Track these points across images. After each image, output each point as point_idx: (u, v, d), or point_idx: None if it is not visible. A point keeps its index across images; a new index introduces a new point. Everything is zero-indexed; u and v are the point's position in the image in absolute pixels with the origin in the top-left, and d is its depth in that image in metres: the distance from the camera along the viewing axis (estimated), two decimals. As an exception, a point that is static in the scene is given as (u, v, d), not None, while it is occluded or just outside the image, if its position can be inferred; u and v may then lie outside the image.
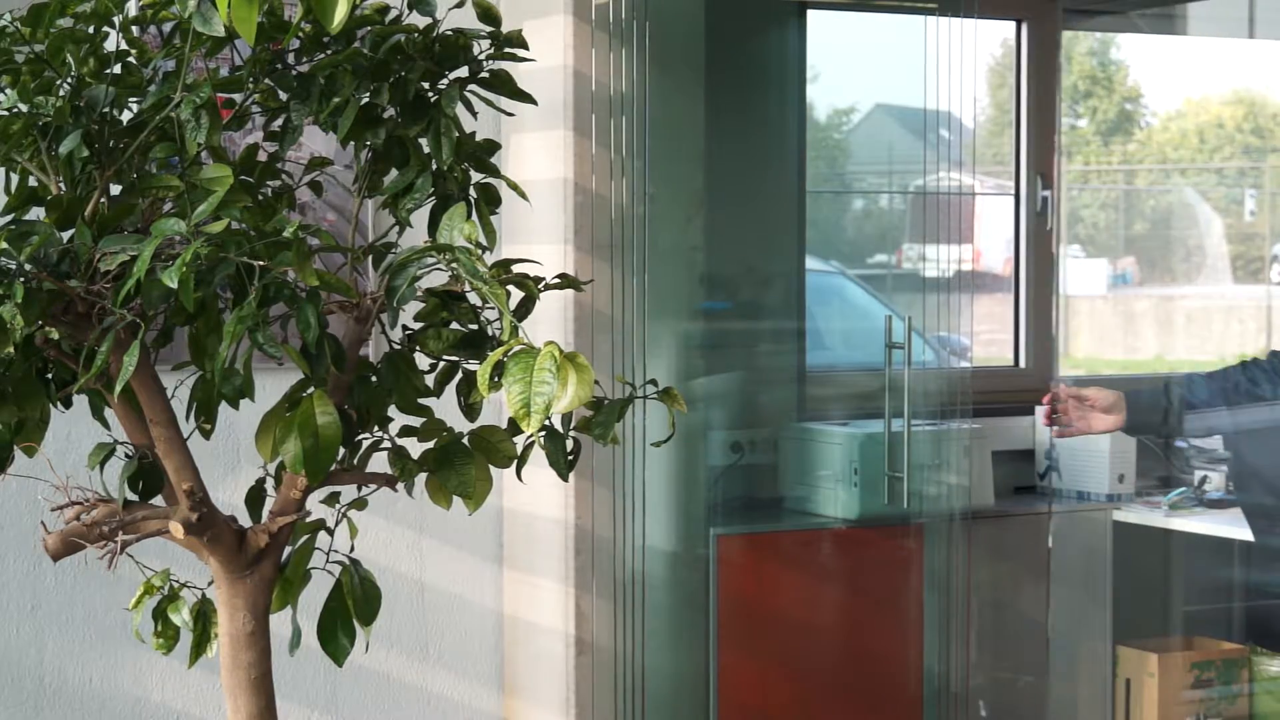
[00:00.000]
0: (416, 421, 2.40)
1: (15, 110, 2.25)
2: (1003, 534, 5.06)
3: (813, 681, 4.81)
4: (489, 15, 2.38)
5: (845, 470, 4.81)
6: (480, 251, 2.13)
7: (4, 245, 2.11)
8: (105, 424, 2.45)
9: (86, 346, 2.20)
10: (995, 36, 5.73)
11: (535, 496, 4.47)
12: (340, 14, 2.07)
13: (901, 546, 4.78)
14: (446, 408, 2.39)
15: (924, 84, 4.54)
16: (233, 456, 4.07)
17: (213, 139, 2.24)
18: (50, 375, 2.34)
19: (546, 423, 2.11)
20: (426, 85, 2.36)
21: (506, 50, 2.39)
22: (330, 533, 2.50)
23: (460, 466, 2.34)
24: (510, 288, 2.15)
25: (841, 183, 5.53)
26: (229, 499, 2.60)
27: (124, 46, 2.33)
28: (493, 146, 2.45)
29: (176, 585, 2.57)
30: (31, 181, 2.34)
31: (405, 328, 2.36)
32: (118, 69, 2.31)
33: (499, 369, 1.97)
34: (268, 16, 2.24)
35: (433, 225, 2.32)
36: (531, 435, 2.12)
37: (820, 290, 5.52)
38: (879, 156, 5.41)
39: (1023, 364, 5.70)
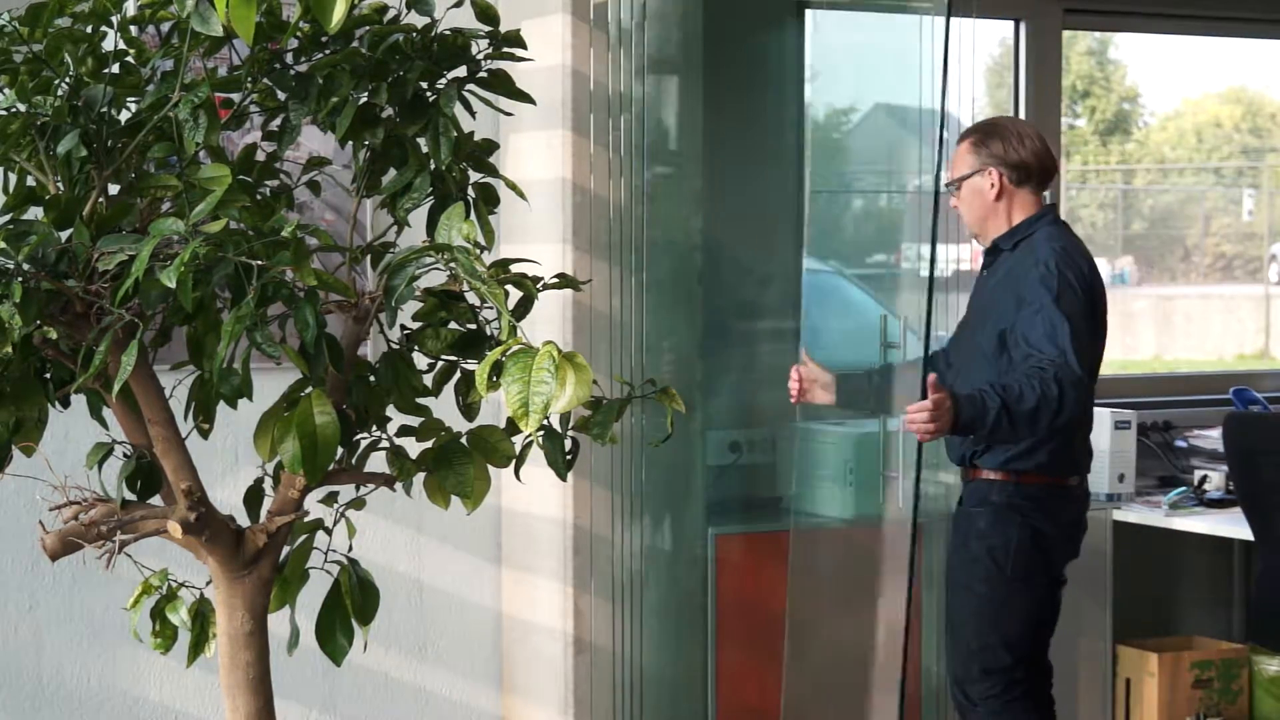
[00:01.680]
0: (415, 421, 2.40)
1: (13, 110, 2.25)
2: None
3: (810, 681, 4.81)
4: (487, 15, 2.38)
5: (842, 470, 4.80)
6: (478, 251, 2.13)
7: (2, 245, 2.11)
8: (104, 423, 2.44)
9: (84, 346, 2.20)
10: (994, 36, 5.73)
11: (534, 496, 4.47)
12: (339, 13, 2.07)
13: (898, 546, 4.77)
14: (445, 407, 2.39)
15: (922, 84, 4.53)
16: (231, 456, 4.07)
17: (211, 139, 2.24)
18: (48, 375, 2.34)
19: (545, 422, 2.11)
20: (425, 85, 2.36)
21: (505, 50, 2.40)
22: (329, 532, 2.50)
23: (458, 466, 2.34)
24: (508, 287, 2.15)
25: (841, 182, 5.52)
26: (227, 499, 2.60)
27: (122, 46, 2.33)
28: (491, 146, 2.45)
29: (175, 585, 2.57)
30: (30, 181, 2.34)
31: (403, 327, 2.36)
32: (116, 69, 2.31)
33: (497, 369, 1.97)
34: (266, 16, 2.24)
35: (431, 225, 2.32)
36: (530, 435, 2.12)
37: (816, 290, 5.51)
38: (878, 156, 5.40)
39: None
